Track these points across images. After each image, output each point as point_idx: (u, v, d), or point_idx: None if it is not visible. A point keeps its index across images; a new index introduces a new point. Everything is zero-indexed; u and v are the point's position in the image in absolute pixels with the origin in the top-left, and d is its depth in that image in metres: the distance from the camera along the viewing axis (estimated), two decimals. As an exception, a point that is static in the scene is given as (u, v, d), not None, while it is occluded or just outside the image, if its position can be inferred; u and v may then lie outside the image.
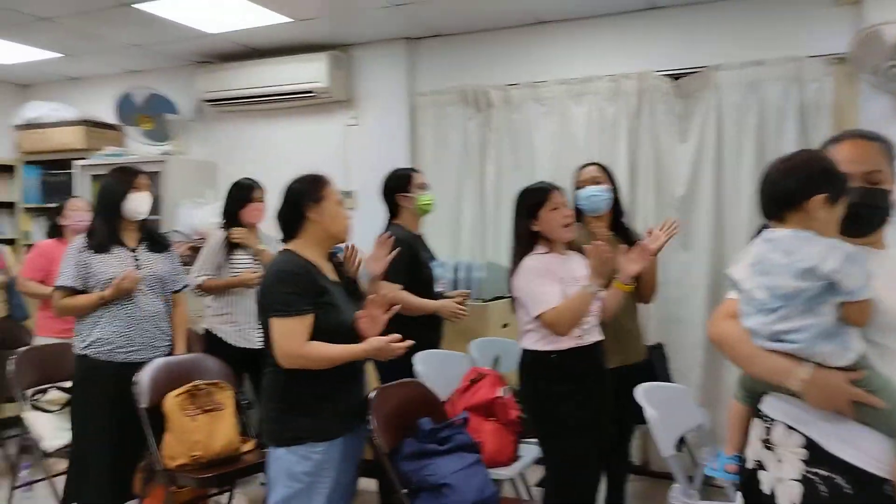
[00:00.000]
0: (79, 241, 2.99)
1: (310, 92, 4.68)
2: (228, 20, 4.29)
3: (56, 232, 4.08)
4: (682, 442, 2.87)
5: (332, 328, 2.16)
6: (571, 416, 2.44)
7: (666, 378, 3.57)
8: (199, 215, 4.61)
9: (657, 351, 3.67)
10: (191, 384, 2.83)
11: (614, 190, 3.03)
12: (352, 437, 2.24)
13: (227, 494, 3.29)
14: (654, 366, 3.43)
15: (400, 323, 2.26)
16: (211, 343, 3.57)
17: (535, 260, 2.52)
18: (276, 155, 4.99)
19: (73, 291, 2.91)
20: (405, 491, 2.27)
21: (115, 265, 2.92)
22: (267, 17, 4.18)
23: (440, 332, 3.29)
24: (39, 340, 3.91)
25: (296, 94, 4.73)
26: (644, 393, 2.58)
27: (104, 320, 2.89)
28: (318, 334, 2.13)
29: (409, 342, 2.16)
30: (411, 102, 4.69)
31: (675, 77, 4.00)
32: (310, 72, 4.66)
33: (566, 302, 2.41)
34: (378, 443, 2.29)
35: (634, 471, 3.65)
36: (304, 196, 2.21)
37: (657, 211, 3.97)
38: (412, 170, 3.38)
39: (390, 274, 2.78)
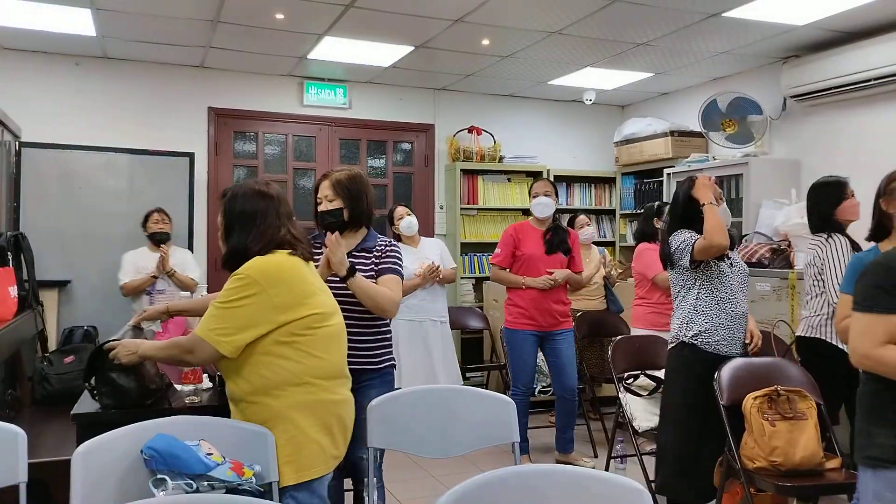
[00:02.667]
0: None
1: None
2: (817, 9, 4.04)
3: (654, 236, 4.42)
4: None
5: None
6: None
7: None
8: (779, 216, 4.46)
9: None
10: (770, 388, 2.77)
11: None
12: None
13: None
14: None
15: None
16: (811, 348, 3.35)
17: None
18: (868, 146, 4.46)
19: None
20: None
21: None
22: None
23: None
24: (634, 331, 4.39)
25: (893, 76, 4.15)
26: None
27: (711, 313, 3.02)
28: None
29: None
30: None
31: None
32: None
33: None
34: None
35: None
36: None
37: None
38: None
39: None
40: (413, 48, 4.94)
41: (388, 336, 2.80)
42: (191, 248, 5.23)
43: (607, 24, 4.36)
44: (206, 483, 1.74)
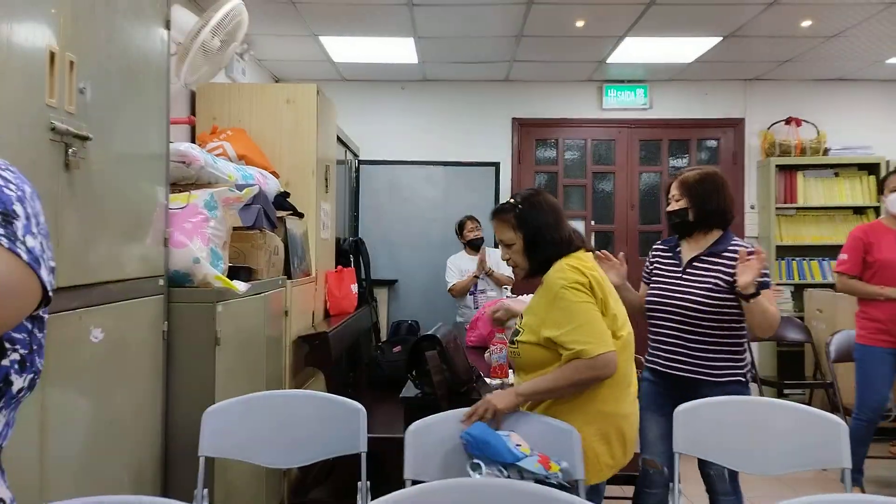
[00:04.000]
0: None
1: None
2: None
3: None
4: None
5: None
6: None
7: None
8: None
9: None
10: None
11: None
12: None
13: None
14: None
15: None
16: None
17: None
18: None
19: None
20: None
21: None
22: None
23: None
24: None
25: None
26: None
27: None
28: None
29: None
30: None
31: None
32: None
33: None
34: None
35: None
36: None
37: None
38: None
39: None
40: (721, 38, 4.65)
41: (739, 348, 2.54)
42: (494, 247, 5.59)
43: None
44: (516, 472, 1.84)
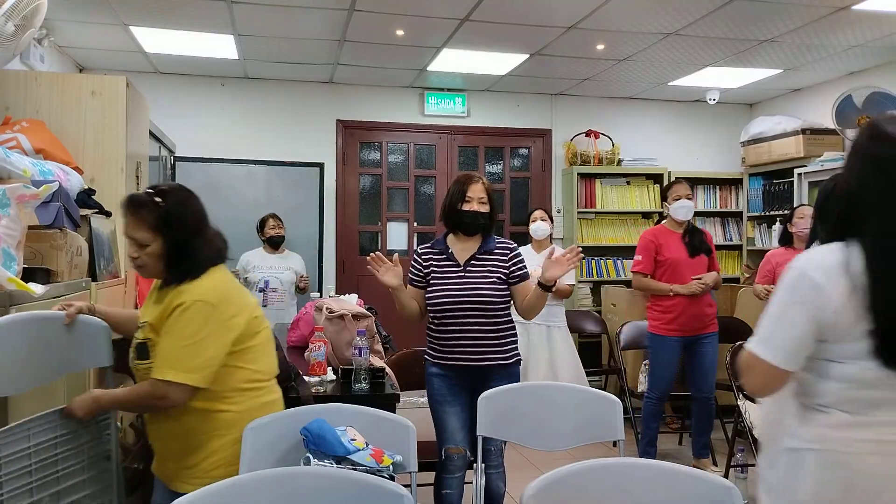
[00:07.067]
0: None
1: None
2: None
3: (787, 240, 4.22)
4: None
5: None
6: None
7: None
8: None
9: None
10: None
11: None
12: None
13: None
14: None
15: None
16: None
17: None
18: None
19: None
20: None
21: None
22: None
23: None
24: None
25: None
26: None
27: None
28: None
29: None
30: None
31: None
32: None
33: None
34: None
35: None
36: None
37: None
38: None
39: None
40: (528, 56, 5.03)
41: (515, 332, 2.90)
42: (320, 250, 5.65)
43: (727, 23, 4.25)
44: (349, 465, 1.89)
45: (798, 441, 1.46)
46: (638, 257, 4.26)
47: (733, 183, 6.35)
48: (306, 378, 2.86)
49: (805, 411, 1.47)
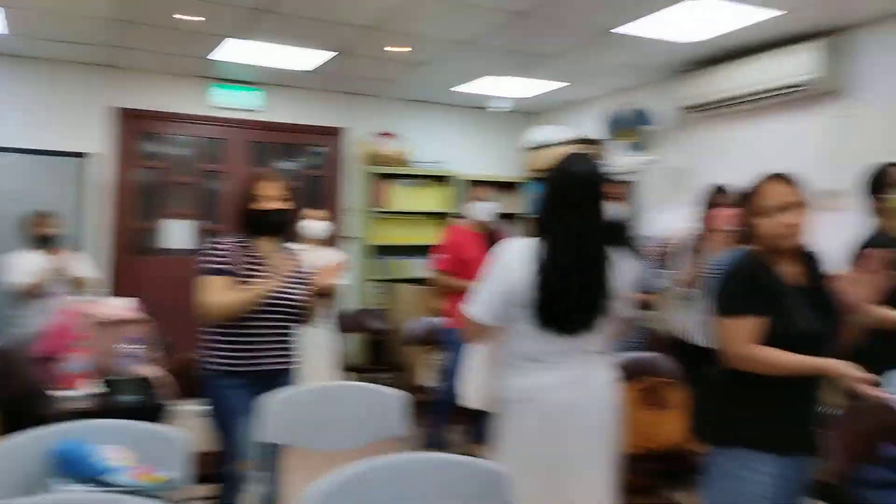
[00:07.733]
0: None
1: (797, 86, 4.35)
2: (714, 26, 4.26)
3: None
4: None
5: (785, 335, 2.00)
6: None
7: None
8: (665, 221, 4.70)
9: None
10: (646, 379, 2.97)
11: None
12: (792, 461, 2.03)
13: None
14: None
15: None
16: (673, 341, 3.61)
17: None
18: (753, 156, 4.78)
19: None
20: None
21: None
22: (756, 14, 4.01)
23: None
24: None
25: (781, 89, 4.45)
26: None
27: None
28: (772, 340, 2.00)
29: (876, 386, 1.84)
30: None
31: None
32: (800, 64, 4.33)
33: None
34: (834, 466, 2.04)
35: None
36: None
37: None
38: (891, 164, 2.85)
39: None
40: (333, 54, 4.98)
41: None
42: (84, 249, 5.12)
43: (514, 35, 4.51)
44: (104, 485, 1.73)
45: (507, 392, 2.07)
46: (442, 256, 4.33)
47: (518, 186, 6.75)
48: (60, 393, 2.57)
49: (506, 367, 2.08)
